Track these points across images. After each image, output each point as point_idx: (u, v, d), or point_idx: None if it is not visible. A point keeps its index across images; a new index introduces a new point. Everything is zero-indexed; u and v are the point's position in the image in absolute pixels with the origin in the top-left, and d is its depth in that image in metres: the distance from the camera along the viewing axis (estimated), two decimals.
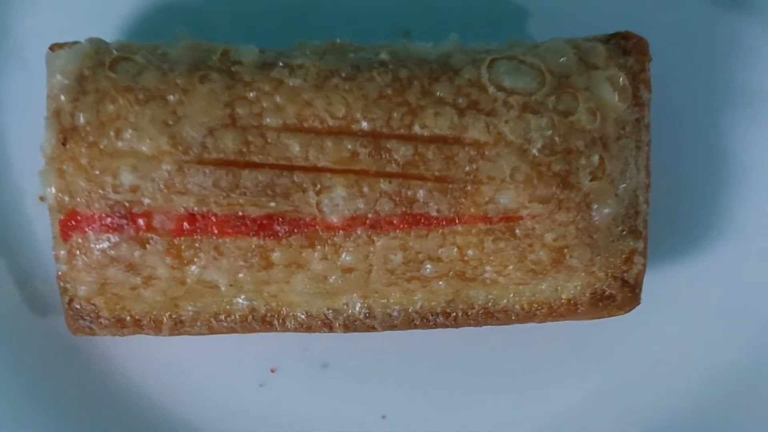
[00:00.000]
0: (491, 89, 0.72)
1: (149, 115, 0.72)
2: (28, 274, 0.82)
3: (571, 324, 0.78)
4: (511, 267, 0.73)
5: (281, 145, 0.72)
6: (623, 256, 0.75)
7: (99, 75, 0.73)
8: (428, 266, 0.73)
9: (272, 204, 0.72)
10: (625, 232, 0.75)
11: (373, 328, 0.77)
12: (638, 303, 0.76)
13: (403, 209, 0.72)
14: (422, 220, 0.72)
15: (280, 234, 0.72)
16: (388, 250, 0.72)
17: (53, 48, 0.76)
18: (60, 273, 0.75)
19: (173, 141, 0.72)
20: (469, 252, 0.72)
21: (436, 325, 0.78)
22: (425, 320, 0.77)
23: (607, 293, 0.75)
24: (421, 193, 0.72)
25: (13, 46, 0.83)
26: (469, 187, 0.71)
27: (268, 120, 0.72)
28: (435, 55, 0.74)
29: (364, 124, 0.72)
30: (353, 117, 0.72)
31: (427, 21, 0.81)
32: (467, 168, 0.71)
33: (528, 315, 0.76)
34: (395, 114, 0.72)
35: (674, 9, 0.82)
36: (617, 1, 0.83)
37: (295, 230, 0.72)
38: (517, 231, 0.72)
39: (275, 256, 0.73)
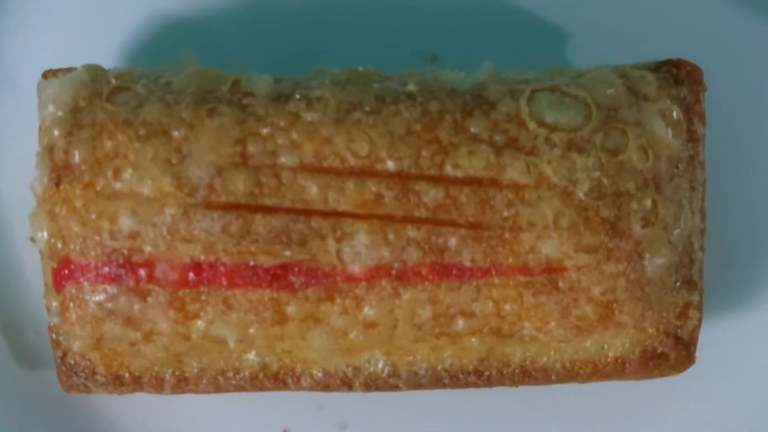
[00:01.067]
0: (531, 125, 0.67)
1: (151, 152, 0.67)
2: (17, 322, 0.77)
3: (616, 383, 0.73)
4: (553, 323, 0.67)
5: (297, 187, 0.67)
6: (677, 310, 0.69)
7: (96, 107, 0.69)
8: (460, 322, 0.68)
9: (287, 252, 0.66)
10: (679, 284, 0.69)
11: (397, 388, 0.72)
12: (693, 362, 0.70)
13: (433, 258, 0.67)
14: (454, 271, 0.67)
15: (295, 286, 0.67)
16: (415, 304, 0.67)
17: (46, 75, 0.72)
18: (52, 324, 0.71)
19: (177, 182, 0.67)
20: (507, 307, 0.67)
21: (467, 385, 0.72)
22: (455, 379, 0.72)
23: (658, 351, 0.70)
24: (453, 241, 0.66)
25: (4, 70, 0.78)
26: (506, 235, 0.66)
27: (282, 159, 0.67)
28: (468, 85, 0.69)
29: (390, 164, 0.67)
30: (378, 156, 0.67)
31: (455, 44, 0.76)
32: (505, 213, 0.66)
33: (570, 374, 0.71)
34: (425, 152, 0.67)
35: (727, 32, 0.77)
36: (665, 23, 0.78)
37: (313, 281, 0.67)
38: (560, 284, 0.66)
39: (290, 310, 0.67)
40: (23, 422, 0.76)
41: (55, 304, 0.69)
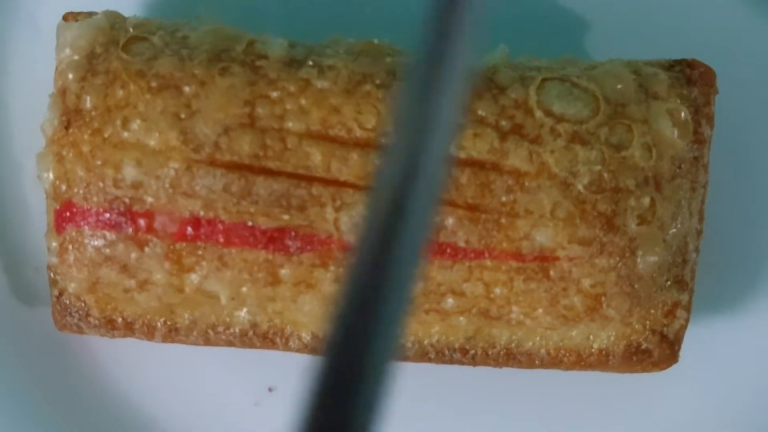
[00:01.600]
0: (539, 113, 0.68)
1: (161, 105, 0.68)
2: (19, 258, 0.79)
3: (598, 374, 0.74)
4: (540, 310, 0.69)
5: (302, 153, 0.68)
6: (665, 309, 0.70)
7: (111, 54, 0.70)
8: (450, 300, 0.69)
9: (285, 216, 0.68)
10: (669, 283, 0.70)
11: None
12: (676, 361, 0.71)
13: (429, 235, 0.66)
14: (448, 250, 0.68)
15: (291, 250, 0.68)
16: None
17: (67, 18, 0.72)
18: (49, 263, 0.72)
19: (184, 137, 0.68)
20: (497, 290, 0.68)
21: (452, 361, 0.74)
22: (441, 354, 0.73)
23: (643, 347, 0.71)
24: (449, 221, 0.68)
25: (26, 10, 0.79)
26: (503, 220, 0.67)
27: (289, 124, 0.68)
28: (480, 67, 0.68)
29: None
30: (384, 129, 0.68)
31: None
32: (503, 198, 0.67)
33: (554, 361, 0.72)
34: None
35: (745, 37, 0.77)
36: (684, 23, 0.78)
37: (308, 247, 0.68)
38: (551, 273, 0.68)
39: (283, 273, 0.69)
40: (16, 355, 0.78)
41: (54, 244, 0.71)
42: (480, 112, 0.67)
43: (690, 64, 0.72)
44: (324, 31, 0.71)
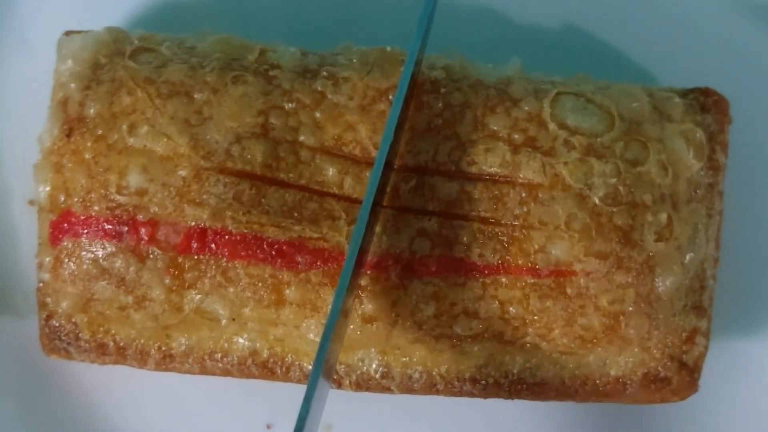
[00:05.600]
0: (552, 126, 0.71)
1: (170, 111, 0.71)
2: (7, 284, 0.79)
3: (614, 407, 0.76)
4: (557, 331, 0.71)
5: (315, 167, 0.71)
6: (684, 335, 0.72)
7: (117, 64, 0.73)
8: (463, 322, 0.71)
9: (297, 228, 0.70)
10: (688, 308, 0.72)
11: (388, 390, 0.75)
12: (696, 390, 0.73)
13: (442, 251, 0.70)
14: (462, 266, 0.70)
15: (299, 265, 0.70)
16: (419, 298, 0.71)
17: (67, 35, 0.76)
18: (41, 284, 0.74)
19: (194, 143, 0.70)
20: (512, 309, 0.71)
21: (461, 393, 0.75)
22: (450, 386, 0.74)
23: (662, 375, 0.73)
24: (463, 236, 0.70)
25: (18, 29, 0.81)
26: (517, 233, 0.70)
27: (303, 137, 0.71)
28: (494, 78, 0.74)
29: (409, 158, 0.71)
30: (397, 149, 0.71)
31: (486, 41, 0.80)
32: (517, 211, 0.70)
33: (568, 391, 0.74)
34: (443, 148, 0.71)
35: (760, 67, 0.81)
36: (698, 55, 0.81)
37: (318, 263, 0.70)
38: (568, 289, 0.70)
39: (288, 292, 0.71)
40: (2, 384, 0.77)
41: (48, 259, 0.73)
42: (492, 126, 0.71)
43: (704, 92, 0.76)
44: (331, 40, 0.75)
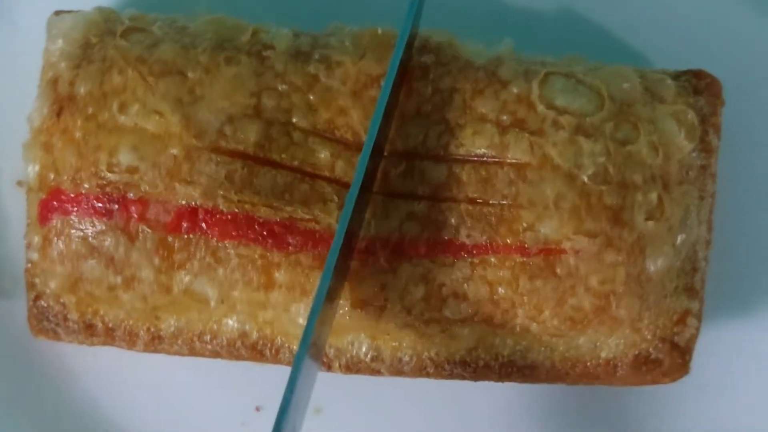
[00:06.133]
0: (541, 107, 0.72)
1: (162, 89, 0.71)
2: None
3: (605, 389, 0.76)
4: (547, 312, 0.71)
5: (307, 149, 0.71)
6: (675, 317, 0.73)
7: (108, 44, 0.73)
8: (452, 305, 0.71)
9: (289, 208, 0.70)
10: (679, 289, 0.72)
11: (378, 372, 0.75)
12: (687, 371, 0.74)
13: (430, 233, 0.71)
14: (451, 247, 0.70)
15: (290, 246, 0.70)
16: (408, 280, 0.71)
17: (58, 14, 0.76)
18: (29, 265, 0.74)
19: (186, 122, 0.71)
20: (501, 290, 0.71)
21: (451, 376, 0.75)
22: (440, 369, 0.75)
23: (653, 356, 0.73)
24: (451, 217, 0.71)
25: (6, 11, 0.81)
26: (505, 212, 0.70)
27: (296, 119, 0.72)
28: (484, 59, 0.74)
29: (399, 143, 0.72)
30: (387, 134, 0.71)
31: (478, 20, 0.80)
32: (505, 191, 0.70)
33: (559, 374, 0.74)
34: (431, 132, 0.71)
35: (753, 49, 0.81)
36: (693, 38, 0.81)
37: (309, 244, 0.70)
38: (557, 269, 0.70)
39: (278, 275, 0.71)
40: None
41: (37, 239, 0.73)
42: (481, 109, 0.71)
43: (696, 74, 0.76)
44: (321, 20, 0.75)
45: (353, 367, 0.74)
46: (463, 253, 0.70)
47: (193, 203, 0.69)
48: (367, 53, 0.73)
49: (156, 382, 0.78)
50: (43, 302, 0.73)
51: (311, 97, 0.71)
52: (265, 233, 0.70)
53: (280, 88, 0.71)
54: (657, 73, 0.75)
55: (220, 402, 0.78)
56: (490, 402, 0.78)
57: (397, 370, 0.74)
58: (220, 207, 0.69)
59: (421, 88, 0.72)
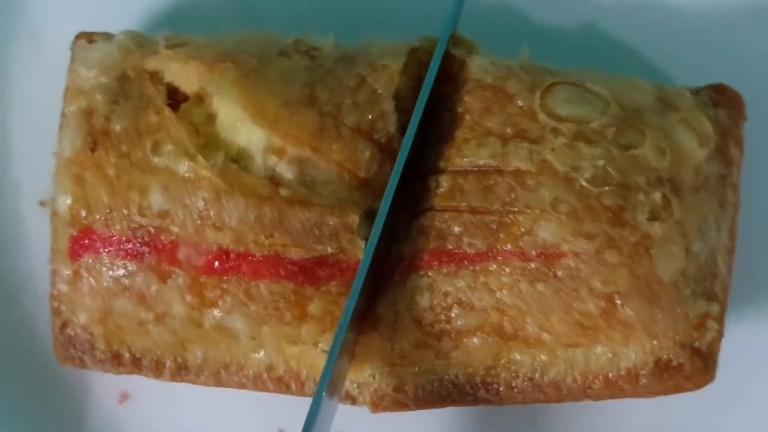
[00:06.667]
0: (542, 116, 0.73)
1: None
2: (17, 287, 0.81)
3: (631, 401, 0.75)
4: (555, 319, 0.71)
5: (352, 146, 0.72)
6: (694, 321, 0.72)
7: (145, 80, 0.74)
8: (458, 313, 0.71)
9: (319, 247, 0.72)
10: (697, 294, 0.72)
11: (405, 406, 0.75)
12: (711, 377, 0.72)
13: (436, 244, 0.72)
14: (454, 256, 0.71)
15: (321, 279, 0.71)
16: (415, 291, 0.72)
17: (81, 36, 0.78)
18: (55, 293, 0.75)
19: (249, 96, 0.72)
20: (504, 297, 0.71)
21: (476, 401, 0.75)
22: (464, 394, 0.74)
23: (674, 363, 0.71)
24: (454, 226, 0.72)
25: (29, 31, 0.84)
26: (505, 219, 0.71)
27: (344, 116, 0.72)
28: (493, 75, 0.74)
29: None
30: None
31: (496, 30, 0.81)
32: (506, 198, 0.72)
33: (582, 388, 0.73)
34: (441, 150, 0.73)
35: None
36: (717, 57, 0.81)
37: (338, 274, 0.71)
38: (558, 272, 0.70)
39: (311, 307, 0.72)
40: (10, 388, 0.79)
41: (67, 272, 0.74)
42: (487, 125, 0.73)
43: (717, 89, 0.77)
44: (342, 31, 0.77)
45: (378, 402, 0.73)
46: (464, 261, 0.71)
47: (225, 247, 0.70)
48: (409, 64, 0.74)
49: (179, 402, 0.79)
50: (70, 331, 0.74)
51: (359, 98, 0.73)
52: (296, 270, 0.71)
53: (330, 84, 0.73)
54: (676, 87, 0.76)
55: (244, 423, 0.78)
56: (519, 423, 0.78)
57: (423, 400, 0.73)
58: (252, 251, 0.71)
59: (445, 114, 0.74)
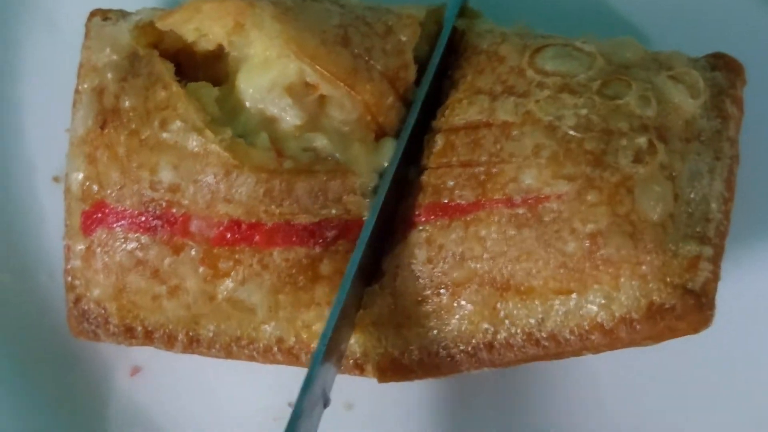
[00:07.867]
0: (530, 72, 0.76)
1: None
2: (32, 262, 0.83)
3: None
4: (540, 263, 0.72)
5: (382, 89, 0.75)
6: (685, 262, 0.72)
7: (155, 57, 0.77)
8: (451, 263, 0.73)
9: (324, 211, 0.75)
10: (688, 236, 0.72)
11: (413, 373, 0.76)
12: (706, 317, 0.72)
13: (431, 199, 0.75)
14: (447, 209, 0.74)
15: (328, 239, 0.74)
16: (414, 246, 0.75)
17: (95, 14, 0.81)
18: (69, 267, 0.79)
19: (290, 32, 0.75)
20: (493, 246, 0.73)
21: (479, 363, 0.76)
22: (466, 355, 0.75)
23: (666, 305, 0.72)
24: (449, 181, 0.75)
25: (43, 10, 0.86)
26: (493, 169, 0.74)
27: (374, 60, 0.75)
28: (489, 41, 0.78)
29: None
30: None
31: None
32: (492, 150, 0.75)
33: (580, 340, 0.74)
34: (436, 112, 0.78)
35: None
36: (723, 32, 0.83)
37: (344, 233, 0.74)
38: (543, 216, 0.73)
39: (323, 266, 0.75)
40: (26, 361, 0.80)
41: (80, 247, 0.77)
42: (478, 84, 0.77)
43: (715, 56, 0.80)
44: None
45: (385, 369, 0.74)
46: (457, 213, 0.73)
47: (235, 219, 0.73)
48: (426, 21, 0.79)
49: (190, 376, 0.80)
50: (83, 305, 0.77)
51: (386, 45, 0.76)
52: (306, 234, 0.73)
53: (361, 29, 0.76)
54: (673, 51, 0.78)
55: (253, 396, 0.80)
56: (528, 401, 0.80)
57: (429, 365, 0.74)
58: (264, 221, 0.73)
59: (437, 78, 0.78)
